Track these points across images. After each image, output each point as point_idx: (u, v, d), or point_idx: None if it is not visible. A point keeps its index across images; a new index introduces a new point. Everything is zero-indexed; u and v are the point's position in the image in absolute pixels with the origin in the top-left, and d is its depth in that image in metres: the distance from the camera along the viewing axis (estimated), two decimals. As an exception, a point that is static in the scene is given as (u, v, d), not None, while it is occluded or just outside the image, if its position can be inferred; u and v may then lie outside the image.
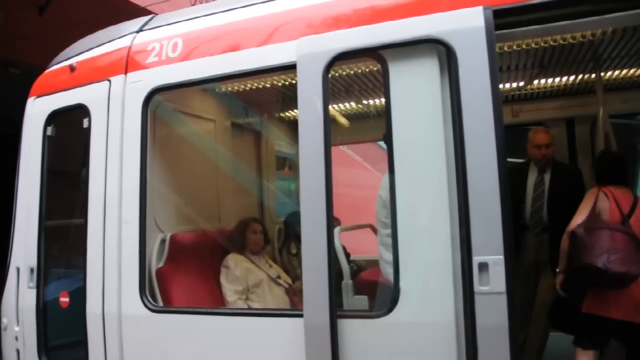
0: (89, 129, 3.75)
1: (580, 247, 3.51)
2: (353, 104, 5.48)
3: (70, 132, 4.14)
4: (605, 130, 4.60)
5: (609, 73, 4.93)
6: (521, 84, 5.14)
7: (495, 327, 2.58)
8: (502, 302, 2.58)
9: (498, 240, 2.59)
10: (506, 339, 2.56)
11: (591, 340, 3.68)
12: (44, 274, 3.92)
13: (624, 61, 4.62)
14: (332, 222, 2.87)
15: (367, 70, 4.31)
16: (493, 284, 2.58)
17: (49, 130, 4.01)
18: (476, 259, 2.61)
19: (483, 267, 2.60)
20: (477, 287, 2.60)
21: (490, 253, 2.60)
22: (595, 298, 3.59)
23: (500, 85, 4.99)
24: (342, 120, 5.78)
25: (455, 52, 2.74)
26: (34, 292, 3.91)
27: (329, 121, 2.94)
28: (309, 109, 2.99)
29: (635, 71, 4.93)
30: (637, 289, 3.45)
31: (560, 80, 5.14)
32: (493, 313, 2.58)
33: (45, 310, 3.91)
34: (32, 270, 3.93)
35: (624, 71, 4.92)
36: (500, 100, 2.70)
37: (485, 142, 2.65)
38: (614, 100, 5.35)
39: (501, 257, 2.58)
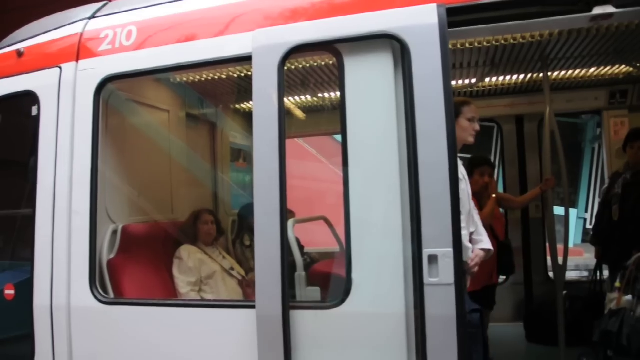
0: (38, 116, 3.63)
1: None
2: (309, 97, 5.50)
3: (17, 119, 4.01)
4: (551, 128, 4.78)
5: (556, 73, 5.12)
6: (473, 81, 5.27)
7: (444, 317, 2.65)
8: (451, 293, 2.65)
9: (447, 233, 2.66)
10: (454, 329, 2.63)
11: None
12: (-13, 267, 3.81)
13: (569, 62, 4.80)
14: (285, 214, 2.88)
15: (324, 63, 4.33)
16: (442, 275, 2.64)
17: (-6, 117, 3.89)
18: (426, 252, 2.67)
19: (433, 259, 2.66)
20: (427, 278, 2.66)
21: (440, 246, 2.66)
22: None
23: (453, 82, 5.11)
24: (298, 113, 5.79)
25: (409, 48, 2.77)
26: (-24, 285, 3.78)
27: (284, 114, 2.94)
28: (263, 102, 2.98)
29: (580, 72, 5.13)
30: None
31: (511, 78, 5.30)
32: (442, 304, 2.65)
33: (-12, 304, 3.79)
34: (-25, 262, 3.81)
35: (569, 72, 5.12)
36: (452, 97, 2.76)
37: (436, 137, 2.70)
38: (560, 100, 5.57)
39: (450, 250, 2.65)
